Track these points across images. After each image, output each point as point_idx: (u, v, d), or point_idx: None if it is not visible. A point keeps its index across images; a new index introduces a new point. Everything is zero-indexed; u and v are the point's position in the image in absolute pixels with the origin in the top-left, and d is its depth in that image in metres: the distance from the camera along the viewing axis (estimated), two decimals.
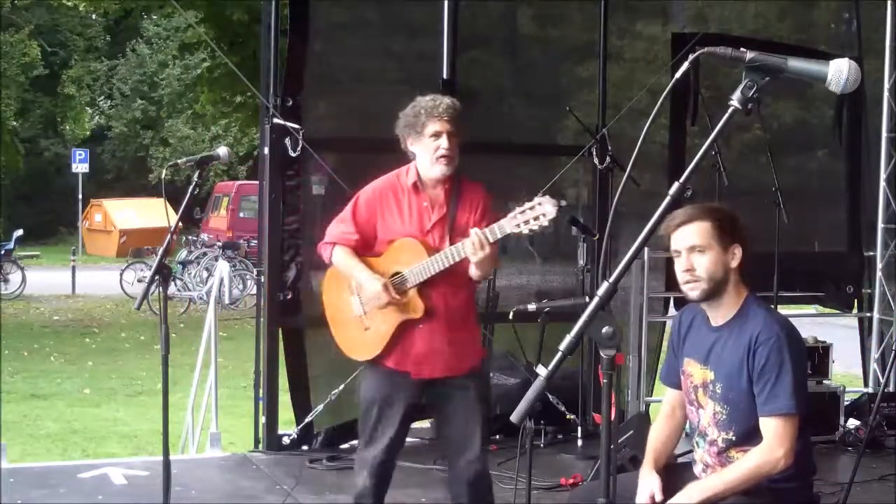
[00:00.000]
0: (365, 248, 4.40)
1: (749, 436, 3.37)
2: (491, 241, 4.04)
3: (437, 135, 4.29)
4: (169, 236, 4.06)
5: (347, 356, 4.56)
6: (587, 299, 4.03)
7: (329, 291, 4.55)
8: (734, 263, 3.42)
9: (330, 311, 4.55)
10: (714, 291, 3.43)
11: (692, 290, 3.44)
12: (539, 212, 3.98)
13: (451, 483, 4.43)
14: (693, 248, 3.41)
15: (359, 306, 4.37)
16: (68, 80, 32.51)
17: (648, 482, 3.50)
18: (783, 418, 3.30)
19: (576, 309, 3.95)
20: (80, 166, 28.45)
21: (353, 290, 4.38)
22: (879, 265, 7.83)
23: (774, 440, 3.30)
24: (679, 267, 3.45)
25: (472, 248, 4.05)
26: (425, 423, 7.05)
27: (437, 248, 4.26)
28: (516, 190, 6.83)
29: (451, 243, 4.22)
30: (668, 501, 3.40)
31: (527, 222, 4.01)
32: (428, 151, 4.30)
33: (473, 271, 4.18)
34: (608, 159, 6.72)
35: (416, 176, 4.36)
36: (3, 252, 20.10)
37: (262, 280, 6.69)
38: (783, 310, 5.73)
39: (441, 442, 4.48)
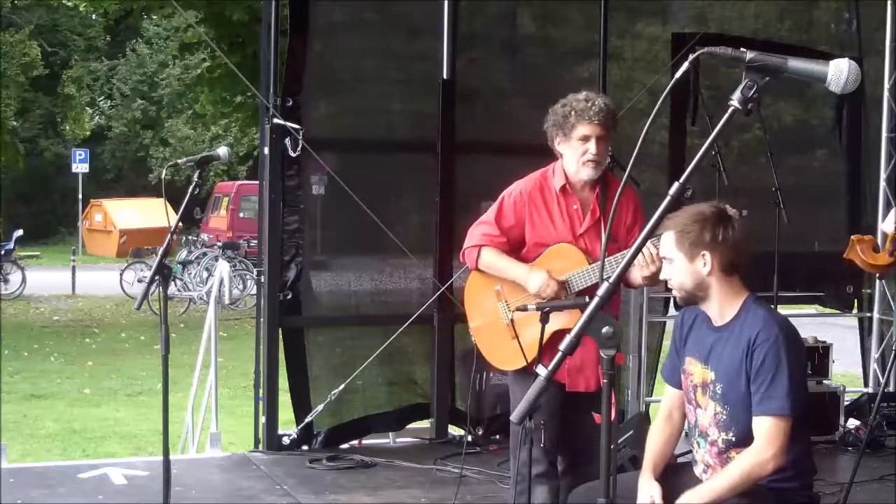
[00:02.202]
0: (511, 253, 4.24)
1: (749, 436, 3.36)
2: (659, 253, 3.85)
3: (585, 138, 4.14)
4: (169, 236, 4.07)
5: (497, 368, 4.40)
6: (587, 299, 4.04)
7: (472, 300, 4.37)
8: (706, 270, 3.40)
9: (474, 320, 4.36)
10: (691, 297, 3.47)
11: (676, 296, 3.53)
12: None
13: (560, 490, 4.27)
14: (664, 259, 3.50)
15: (507, 315, 4.23)
16: (68, 80, 32.49)
17: (648, 489, 3.50)
18: (776, 419, 3.29)
19: (576, 309, 3.97)
20: (80, 166, 28.45)
21: (500, 297, 4.24)
22: None
23: (765, 441, 3.30)
24: (661, 274, 3.58)
25: (641, 261, 3.90)
26: (425, 423, 7.06)
27: (590, 252, 4.15)
28: None
29: (604, 248, 4.10)
30: None
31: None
32: (575, 154, 4.16)
33: (639, 279, 4.04)
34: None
35: (564, 178, 4.22)
36: (3, 252, 20.08)
37: (262, 280, 6.69)
38: (783, 310, 5.72)
39: (561, 451, 4.31)
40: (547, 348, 4.15)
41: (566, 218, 4.21)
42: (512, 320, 4.22)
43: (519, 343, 4.19)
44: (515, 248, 4.27)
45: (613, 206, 3.09)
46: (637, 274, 4.06)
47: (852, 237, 5.20)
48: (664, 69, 7.38)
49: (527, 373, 4.23)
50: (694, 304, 3.50)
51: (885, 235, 5.18)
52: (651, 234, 2.54)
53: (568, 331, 3.99)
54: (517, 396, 4.31)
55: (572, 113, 4.14)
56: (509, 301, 4.23)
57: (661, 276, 3.52)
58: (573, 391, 4.20)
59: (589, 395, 4.20)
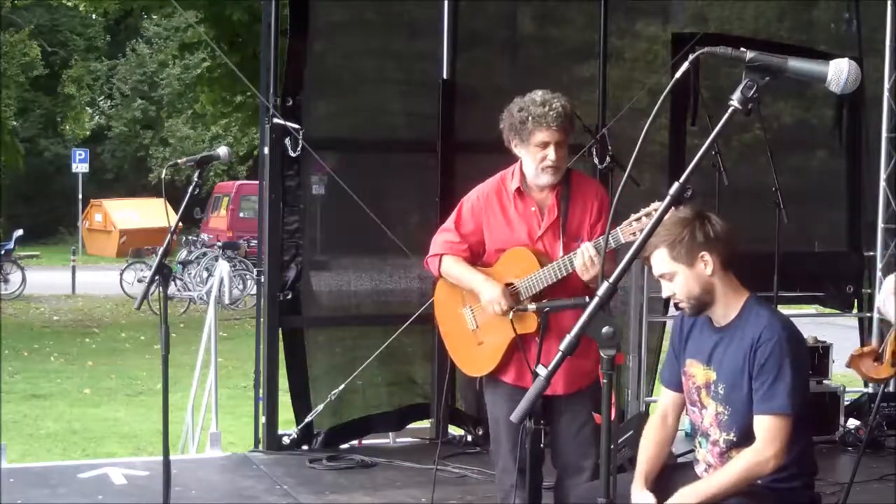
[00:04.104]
0: (474, 258, 4.19)
1: (750, 436, 3.36)
2: (598, 256, 3.81)
3: (544, 145, 4.03)
4: (169, 236, 4.07)
5: (467, 375, 4.37)
6: (587, 299, 4.03)
7: (440, 307, 4.35)
8: (709, 270, 3.38)
9: (443, 327, 4.36)
10: (702, 304, 3.44)
11: (684, 310, 3.49)
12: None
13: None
14: (663, 277, 3.44)
15: (471, 320, 4.19)
16: (68, 80, 32.52)
17: (642, 500, 3.44)
18: (777, 418, 3.29)
19: (576, 309, 3.96)
20: (80, 166, 28.45)
21: (465, 304, 4.20)
22: (879, 265, 7.82)
23: (766, 440, 3.29)
24: (663, 293, 3.51)
25: (581, 266, 3.87)
26: (425, 423, 7.07)
27: (549, 254, 4.07)
28: None
29: (565, 248, 4.03)
30: None
31: (643, 230, 3.73)
32: (534, 160, 4.06)
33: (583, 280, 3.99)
34: (608, 159, 6.72)
35: (521, 180, 4.14)
36: (3, 252, 20.08)
37: (262, 280, 6.69)
38: (783, 310, 5.72)
39: (552, 459, 4.29)
40: (510, 357, 4.14)
41: (523, 221, 4.14)
42: (477, 325, 4.18)
43: (521, 334, 4.11)
44: (478, 252, 4.20)
45: (613, 204, 3.03)
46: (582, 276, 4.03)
47: (852, 352, 5.28)
48: (664, 69, 7.38)
49: (495, 380, 4.20)
50: (703, 311, 3.46)
51: (881, 343, 5.27)
52: (651, 234, 2.55)
53: (526, 336, 4.03)
54: (491, 404, 4.28)
55: (529, 119, 4.03)
56: (473, 307, 4.18)
57: (664, 294, 3.46)
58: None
59: (557, 398, 4.10)
